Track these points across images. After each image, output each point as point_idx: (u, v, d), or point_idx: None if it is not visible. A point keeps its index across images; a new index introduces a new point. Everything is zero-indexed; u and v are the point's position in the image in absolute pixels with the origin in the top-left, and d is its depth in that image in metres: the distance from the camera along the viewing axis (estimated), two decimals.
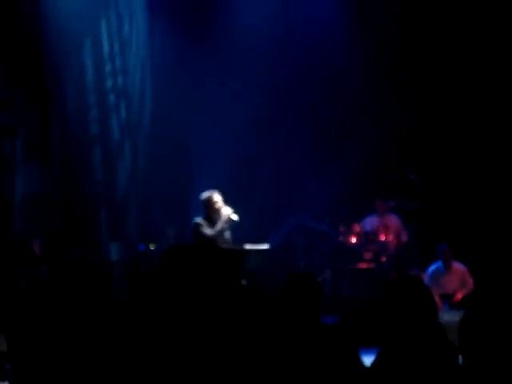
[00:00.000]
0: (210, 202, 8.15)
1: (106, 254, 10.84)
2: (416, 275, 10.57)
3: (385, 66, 11.58)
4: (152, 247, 10.37)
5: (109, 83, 11.30)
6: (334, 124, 11.86)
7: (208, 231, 8.03)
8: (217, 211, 8.10)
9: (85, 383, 2.42)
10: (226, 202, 8.40)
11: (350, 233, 10.87)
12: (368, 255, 10.83)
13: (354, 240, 10.84)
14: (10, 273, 9.26)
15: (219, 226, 8.06)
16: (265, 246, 8.31)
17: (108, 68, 11.38)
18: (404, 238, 10.92)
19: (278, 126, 11.71)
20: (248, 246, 8.07)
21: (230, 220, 8.09)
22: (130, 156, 11.36)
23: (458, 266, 10.12)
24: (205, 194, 8.23)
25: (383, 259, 10.70)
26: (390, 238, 10.80)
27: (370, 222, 11.06)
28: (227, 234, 8.19)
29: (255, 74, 11.46)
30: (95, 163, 11.04)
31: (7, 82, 10.31)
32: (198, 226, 8.11)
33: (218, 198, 8.17)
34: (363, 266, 10.80)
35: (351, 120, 11.83)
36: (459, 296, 9.90)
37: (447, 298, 9.88)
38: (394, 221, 11.07)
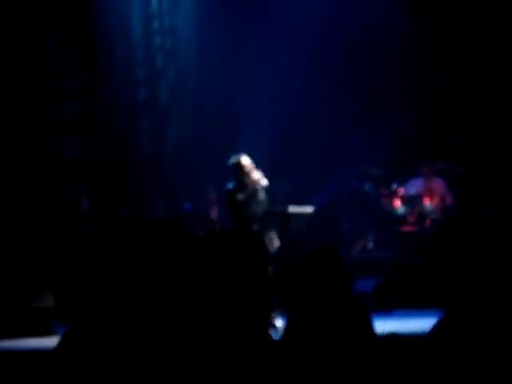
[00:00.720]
0: (238, 167, 8.00)
1: (152, 212, 11.00)
2: None
3: (427, 30, 11.46)
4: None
5: (157, 42, 11.37)
6: (378, 86, 11.78)
7: (239, 196, 7.96)
8: (246, 175, 7.96)
9: (136, 343, 2.41)
10: (265, 162, 8.33)
11: (393, 195, 10.85)
12: (412, 218, 10.80)
13: (397, 203, 10.81)
14: (58, 229, 9.48)
15: (250, 189, 7.96)
16: (308, 209, 8.26)
17: (156, 26, 11.45)
18: (449, 201, 10.85)
19: (323, 89, 11.68)
20: (291, 209, 8.03)
21: (259, 184, 7.99)
22: (177, 119, 11.46)
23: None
24: (233, 159, 8.07)
25: (427, 222, 10.67)
26: (435, 201, 10.74)
27: (415, 185, 10.99)
28: (261, 196, 8.06)
29: (302, 41, 11.42)
30: (143, 128, 11.17)
31: (57, 46, 10.43)
32: (228, 192, 8.05)
33: (246, 161, 8.01)
34: (407, 228, 10.78)
35: (396, 82, 11.74)
36: None
37: None
38: (439, 184, 10.98)
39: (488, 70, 11.55)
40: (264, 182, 8.04)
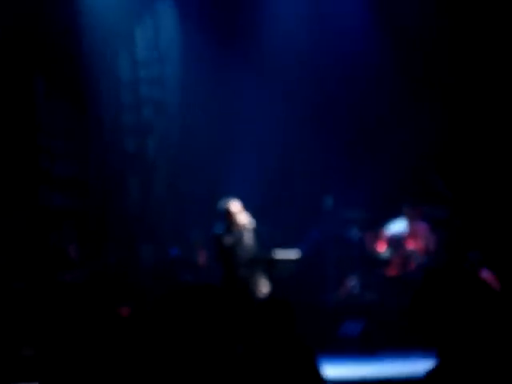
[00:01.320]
0: (226, 212, 8.12)
1: (140, 259, 11.01)
2: None
3: (416, 77, 11.65)
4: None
5: (144, 92, 11.52)
6: (363, 132, 11.92)
7: (227, 241, 8.04)
8: (234, 220, 8.08)
9: None
10: (249, 209, 8.37)
11: (377, 238, 10.90)
12: (396, 261, 10.84)
13: (382, 246, 10.87)
14: (46, 276, 9.49)
15: (238, 233, 8.04)
16: (294, 254, 8.36)
17: (143, 75, 11.60)
18: (431, 246, 10.91)
19: (307, 133, 11.80)
20: (278, 255, 8.13)
21: (247, 228, 8.08)
22: (165, 169, 11.57)
23: (486, 275, 10.10)
24: (222, 204, 8.19)
25: (411, 266, 10.72)
26: (419, 245, 10.80)
27: (398, 226, 11.02)
28: (248, 240, 8.12)
29: (286, 78, 11.64)
30: (131, 180, 11.28)
31: (45, 96, 10.56)
32: (216, 236, 8.15)
33: (235, 207, 8.13)
34: (392, 272, 10.84)
35: (379, 125, 11.86)
36: None
37: None
38: (422, 228, 10.99)
39: (470, 110, 11.69)
40: (252, 224, 8.10)
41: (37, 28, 10.42)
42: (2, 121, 10.35)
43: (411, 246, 10.76)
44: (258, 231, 8.32)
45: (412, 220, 11.00)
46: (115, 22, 10.94)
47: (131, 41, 11.36)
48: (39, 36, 10.42)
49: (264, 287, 8.10)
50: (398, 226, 11.04)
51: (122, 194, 11.39)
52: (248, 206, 8.49)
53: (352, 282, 10.98)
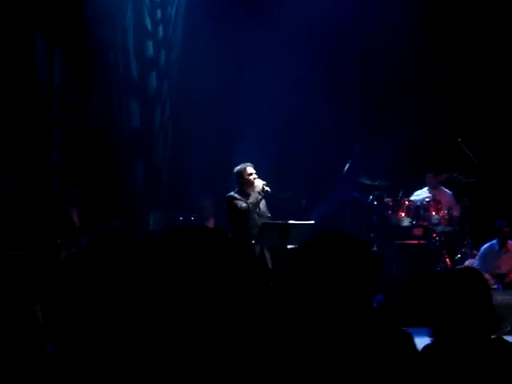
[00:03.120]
0: (242, 175, 7.92)
1: (146, 225, 10.67)
2: (468, 253, 10.17)
3: (435, 37, 11.17)
4: (192, 218, 10.15)
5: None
6: (383, 95, 11.54)
7: (242, 204, 7.80)
8: (250, 184, 7.87)
9: (123, 361, 2.22)
10: (263, 174, 8.15)
11: (398, 207, 10.45)
12: (417, 231, 10.42)
13: (402, 214, 10.41)
14: (48, 242, 9.13)
15: (253, 198, 7.80)
16: (309, 222, 7.99)
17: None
18: (456, 213, 10.47)
19: (326, 99, 11.33)
20: (292, 221, 7.75)
21: (263, 192, 7.83)
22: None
23: None
24: (238, 167, 8.01)
25: (434, 235, 10.27)
26: (442, 213, 10.34)
27: (421, 196, 10.63)
28: (263, 207, 7.95)
29: (304, 49, 11.28)
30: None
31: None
32: (231, 198, 7.90)
33: (251, 170, 7.94)
34: (412, 241, 10.39)
35: (401, 92, 11.45)
36: None
37: (501, 278, 9.42)
38: (445, 195, 10.65)
39: (495, 80, 11.26)
40: (268, 188, 7.86)
41: None
42: (3, 74, 9.97)
43: (434, 214, 10.29)
44: (273, 196, 8.11)
45: (435, 188, 10.66)
46: None
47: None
48: None
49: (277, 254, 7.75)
50: (420, 194, 10.63)
51: (128, 159, 11.03)
52: (262, 172, 8.22)
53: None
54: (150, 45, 11.33)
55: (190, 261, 2.04)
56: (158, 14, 11.39)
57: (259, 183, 7.83)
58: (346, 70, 11.54)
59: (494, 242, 9.64)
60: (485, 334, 2.94)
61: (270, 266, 7.72)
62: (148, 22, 11.28)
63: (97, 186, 10.43)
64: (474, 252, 10.00)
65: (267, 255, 7.77)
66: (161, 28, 11.41)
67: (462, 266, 9.78)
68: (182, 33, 11.49)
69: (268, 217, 7.95)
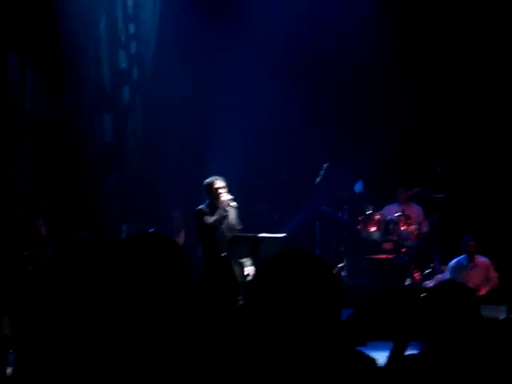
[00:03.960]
0: (211, 188, 7.83)
1: (115, 236, 10.57)
2: (436, 268, 10.22)
3: (408, 53, 11.25)
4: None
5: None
6: (356, 111, 11.53)
7: (208, 220, 7.74)
8: (217, 198, 7.78)
9: (89, 373, 2.26)
10: (235, 186, 8.13)
11: (368, 221, 10.49)
12: (387, 245, 10.46)
13: (373, 229, 10.45)
14: (15, 254, 8.99)
15: (218, 213, 7.74)
16: (280, 235, 7.92)
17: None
18: (425, 228, 10.54)
19: (298, 111, 11.36)
20: (262, 235, 7.67)
21: (229, 207, 7.76)
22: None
23: (481, 260, 9.73)
24: (207, 180, 7.92)
25: (403, 250, 10.31)
26: (411, 228, 10.40)
27: (391, 210, 10.68)
28: (233, 220, 7.86)
29: (276, 56, 11.21)
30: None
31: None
32: (198, 213, 7.84)
33: (219, 184, 7.82)
34: (382, 256, 10.42)
35: (374, 108, 11.48)
36: (483, 291, 9.49)
37: None
38: (415, 210, 10.70)
39: (463, 92, 11.32)
40: (233, 204, 7.78)
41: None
42: None
43: (403, 228, 10.34)
44: (242, 210, 8.02)
45: (405, 203, 10.69)
46: None
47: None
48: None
49: (248, 269, 7.65)
50: (390, 209, 10.66)
51: (100, 172, 10.96)
52: (234, 184, 8.19)
53: (341, 266, 10.52)
54: (122, 56, 11.29)
55: (131, 266, 2.15)
56: (131, 28, 11.35)
57: (226, 198, 7.74)
58: (317, 83, 11.55)
59: (462, 256, 9.71)
60: (476, 343, 2.98)
61: (238, 279, 7.64)
62: (122, 34, 11.23)
63: (67, 197, 10.32)
64: (443, 267, 10.06)
65: (236, 269, 7.69)
66: (134, 44, 11.35)
67: (431, 281, 9.85)
68: (155, 44, 11.46)
69: (238, 229, 7.87)
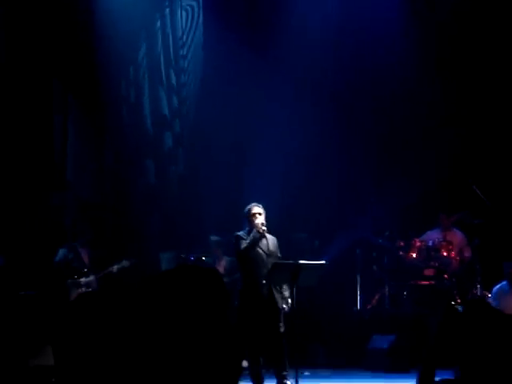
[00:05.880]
0: (248, 214, 7.85)
1: (156, 265, 10.66)
2: (479, 294, 10.11)
3: (448, 80, 11.21)
4: (204, 258, 10.13)
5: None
6: (397, 137, 11.53)
7: (243, 244, 7.74)
8: (252, 223, 7.79)
9: None
10: (273, 216, 8.11)
11: (410, 247, 10.43)
12: (429, 271, 10.38)
13: (414, 255, 10.38)
14: (58, 282, 9.13)
15: (250, 237, 7.73)
16: (320, 262, 7.90)
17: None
18: (467, 254, 10.44)
19: (339, 139, 11.38)
20: (302, 261, 7.65)
21: (267, 233, 7.74)
22: (182, 166, 11.33)
23: None
24: (247, 207, 7.94)
25: (445, 276, 10.23)
26: (453, 254, 10.31)
27: (432, 236, 10.59)
28: (273, 247, 7.81)
29: (311, 83, 11.31)
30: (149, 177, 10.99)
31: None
32: (236, 238, 7.87)
33: (256, 209, 7.83)
34: (424, 282, 10.35)
35: (415, 133, 11.44)
36: None
37: None
38: (457, 236, 10.61)
39: (503, 120, 11.26)
40: (264, 229, 7.72)
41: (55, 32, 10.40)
42: (21, 120, 10.21)
43: (445, 254, 10.26)
44: (282, 237, 8.00)
45: (447, 229, 10.61)
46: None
47: (152, 33, 11.13)
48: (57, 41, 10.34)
49: (288, 296, 7.63)
50: (432, 235, 10.59)
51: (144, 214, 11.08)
52: (273, 212, 8.20)
53: (383, 292, 10.47)
54: (164, 102, 11.48)
55: (173, 298, 2.30)
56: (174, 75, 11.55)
57: (258, 221, 7.75)
58: (358, 109, 11.61)
59: (504, 283, 9.60)
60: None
61: (279, 305, 7.61)
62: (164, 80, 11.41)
63: (109, 230, 10.51)
64: (485, 293, 9.94)
65: (277, 296, 7.66)
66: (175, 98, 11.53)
67: None
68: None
69: (278, 257, 7.84)
